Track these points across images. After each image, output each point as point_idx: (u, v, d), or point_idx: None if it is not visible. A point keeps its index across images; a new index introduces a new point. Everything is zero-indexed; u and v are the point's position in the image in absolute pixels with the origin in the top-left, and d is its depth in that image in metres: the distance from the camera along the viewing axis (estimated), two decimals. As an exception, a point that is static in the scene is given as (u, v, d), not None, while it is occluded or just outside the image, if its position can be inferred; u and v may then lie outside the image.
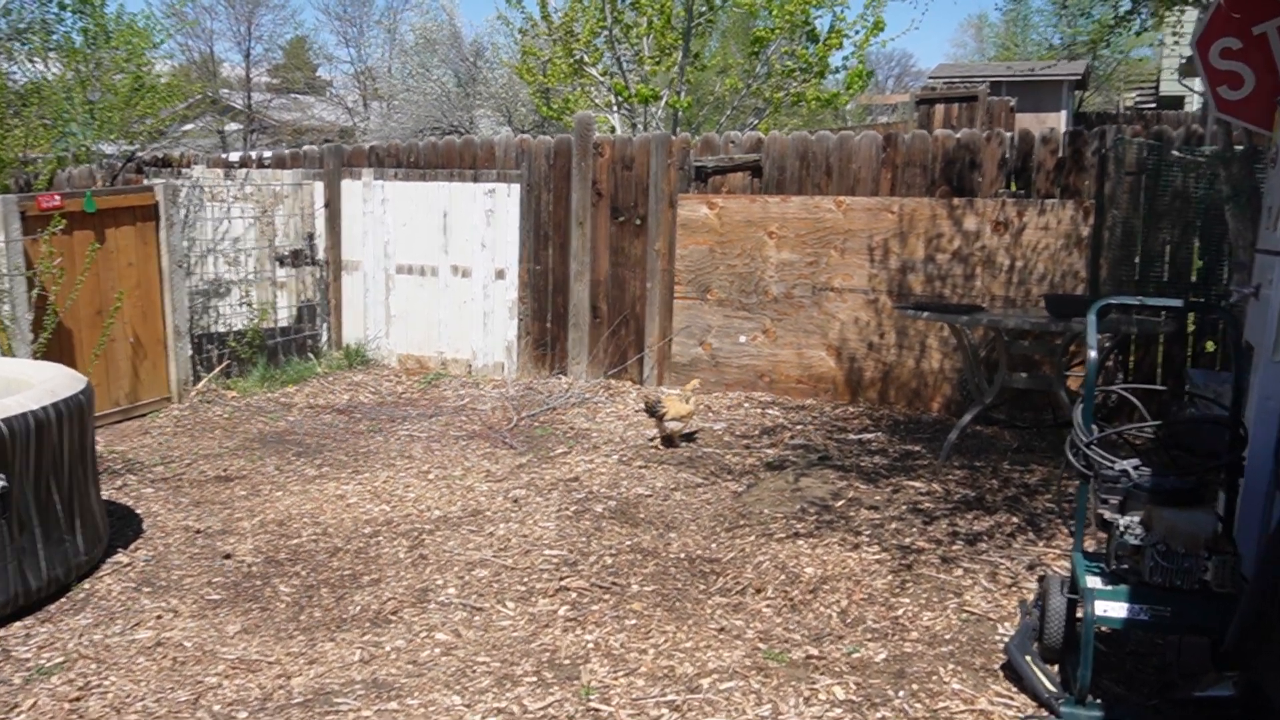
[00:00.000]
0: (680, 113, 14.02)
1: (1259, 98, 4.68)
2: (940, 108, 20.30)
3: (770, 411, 7.97)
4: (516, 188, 9.54)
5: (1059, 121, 25.22)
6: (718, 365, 8.84)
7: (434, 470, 6.57)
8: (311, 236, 10.39)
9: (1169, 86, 32.17)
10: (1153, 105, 31.99)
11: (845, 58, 14.35)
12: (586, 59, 14.62)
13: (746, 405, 8.25)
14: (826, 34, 14.16)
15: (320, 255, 10.43)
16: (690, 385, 7.14)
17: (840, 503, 5.59)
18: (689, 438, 7.13)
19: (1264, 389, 3.81)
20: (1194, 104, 30.26)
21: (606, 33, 14.12)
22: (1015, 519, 5.28)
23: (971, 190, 8.08)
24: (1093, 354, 3.74)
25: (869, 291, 8.28)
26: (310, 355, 10.26)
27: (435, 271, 9.94)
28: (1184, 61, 27.03)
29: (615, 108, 14.82)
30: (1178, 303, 3.92)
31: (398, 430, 7.71)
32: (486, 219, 9.65)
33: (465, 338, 9.87)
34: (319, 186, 10.36)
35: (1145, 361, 7.63)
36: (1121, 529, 3.37)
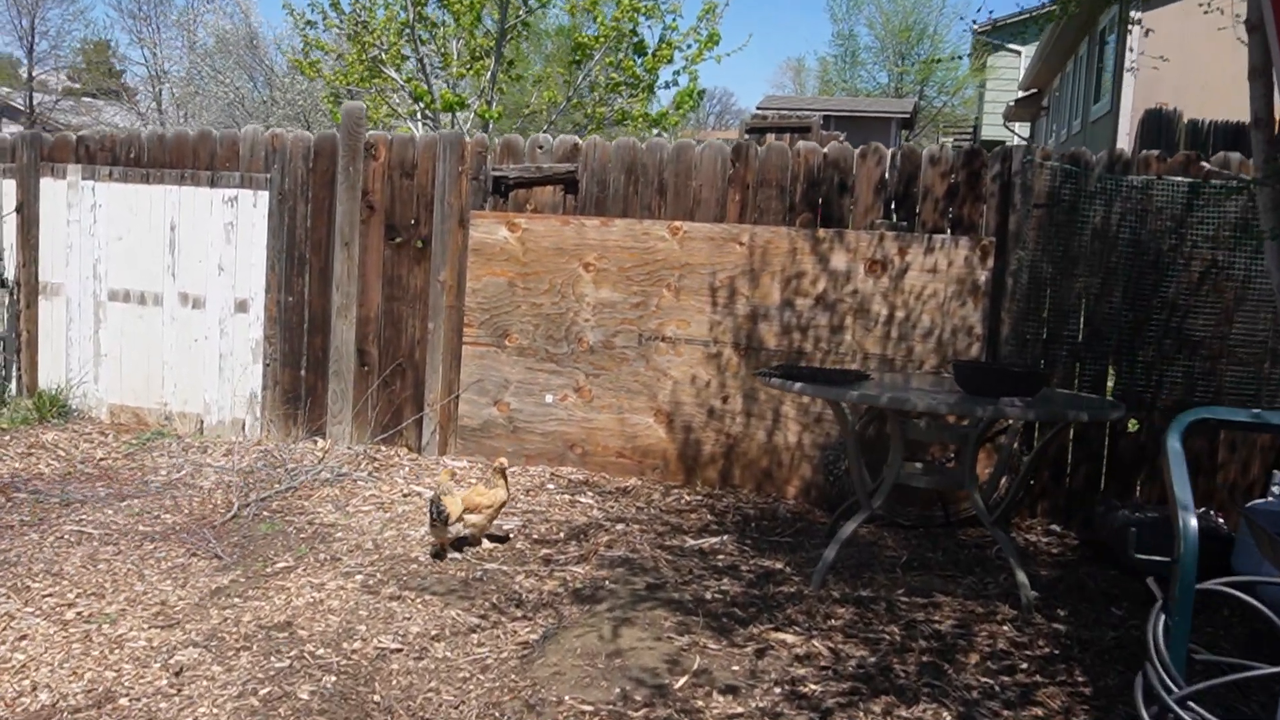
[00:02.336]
0: (491, 124, 12.07)
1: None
2: (772, 137, 18.94)
3: (582, 499, 6.07)
4: (265, 196, 7.42)
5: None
6: (517, 431, 6.91)
7: (80, 602, 4.41)
8: (-4, 249, 8.02)
9: (991, 131, 32.13)
10: (971, 150, 31.76)
11: (675, 73, 12.70)
12: (384, 58, 12.58)
13: (552, 488, 6.33)
14: (656, 46, 12.53)
15: (9, 274, 8.05)
16: (498, 463, 5.16)
17: (681, 681, 3.67)
18: (462, 543, 5.15)
19: None
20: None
21: (408, 30, 12.11)
22: (946, 715, 3.49)
23: (841, 219, 6.41)
24: (1191, 522, 1.98)
25: (710, 343, 6.50)
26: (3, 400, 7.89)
27: (159, 300, 7.71)
28: (1009, 106, 26.71)
29: (418, 116, 12.81)
30: (1325, 423, 2.22)
31: (64, 523, 5.50)
32: (226, 235, 7.50)
33: (196, 386, 7.67)
34: (9, 185, 8.00)
35: (1085, 469, 6.05)
36: None
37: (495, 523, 5.27)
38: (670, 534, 5.41)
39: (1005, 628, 4.26)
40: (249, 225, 7.45)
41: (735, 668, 3.79)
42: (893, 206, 6.34)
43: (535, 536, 5.36)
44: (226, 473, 6.53)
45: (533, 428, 6.87)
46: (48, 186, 7.93)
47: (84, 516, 5.63)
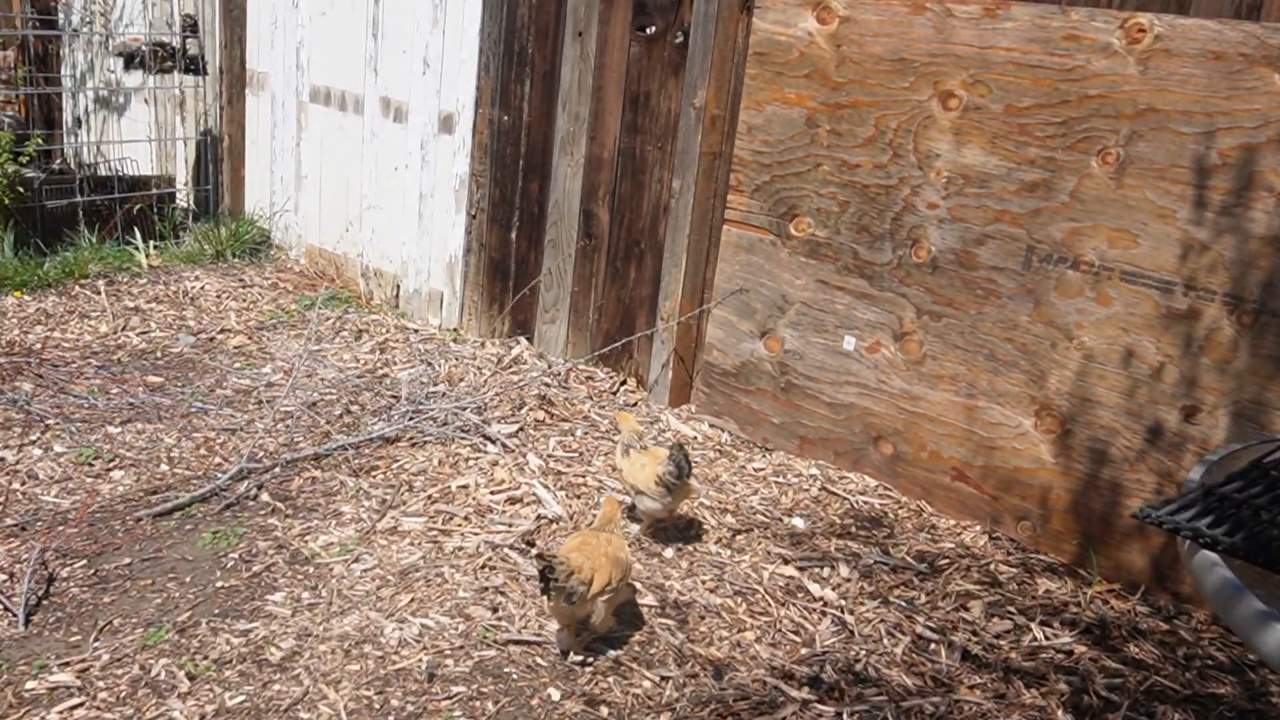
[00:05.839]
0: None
1: None
2: None
3: (817, 585, 2.93)
4: (482, -49, 4.69)
5: None
6: (789, 390, 3.86)
7: None
8: (193, 22, 6.01)
9: None
10: None
11: None
12: None
13: (798, 525, 3.25)
14: None
15: (213, 58, 6.04)
16: (608, 510, 2.35)
17: None
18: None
19: None
20: None
21: None
22: None
23: None
24: None
25: (1176, 287, 3.00)
26: (186, 224, 6.07)
27: (360, 105, 5.35)
28: None
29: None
30: None
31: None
32: (434, 12, 4.89)
33: (394, 235, 5.29)
34: (211, -68, 5.91)
35: None
36: None
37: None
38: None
39: None
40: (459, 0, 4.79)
41: None
42: None
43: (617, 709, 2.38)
44: (336, 388, 4.12)
45: (816, 390, 3.78)
46: (254, -65, 5.74)
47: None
